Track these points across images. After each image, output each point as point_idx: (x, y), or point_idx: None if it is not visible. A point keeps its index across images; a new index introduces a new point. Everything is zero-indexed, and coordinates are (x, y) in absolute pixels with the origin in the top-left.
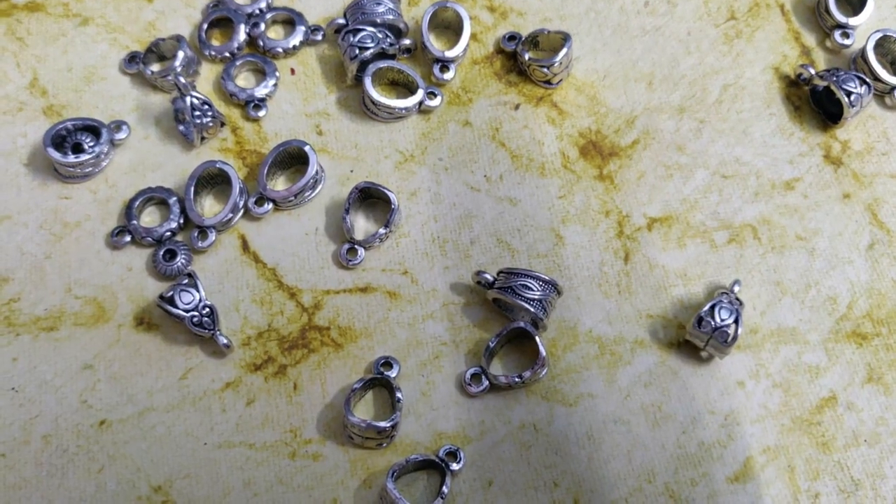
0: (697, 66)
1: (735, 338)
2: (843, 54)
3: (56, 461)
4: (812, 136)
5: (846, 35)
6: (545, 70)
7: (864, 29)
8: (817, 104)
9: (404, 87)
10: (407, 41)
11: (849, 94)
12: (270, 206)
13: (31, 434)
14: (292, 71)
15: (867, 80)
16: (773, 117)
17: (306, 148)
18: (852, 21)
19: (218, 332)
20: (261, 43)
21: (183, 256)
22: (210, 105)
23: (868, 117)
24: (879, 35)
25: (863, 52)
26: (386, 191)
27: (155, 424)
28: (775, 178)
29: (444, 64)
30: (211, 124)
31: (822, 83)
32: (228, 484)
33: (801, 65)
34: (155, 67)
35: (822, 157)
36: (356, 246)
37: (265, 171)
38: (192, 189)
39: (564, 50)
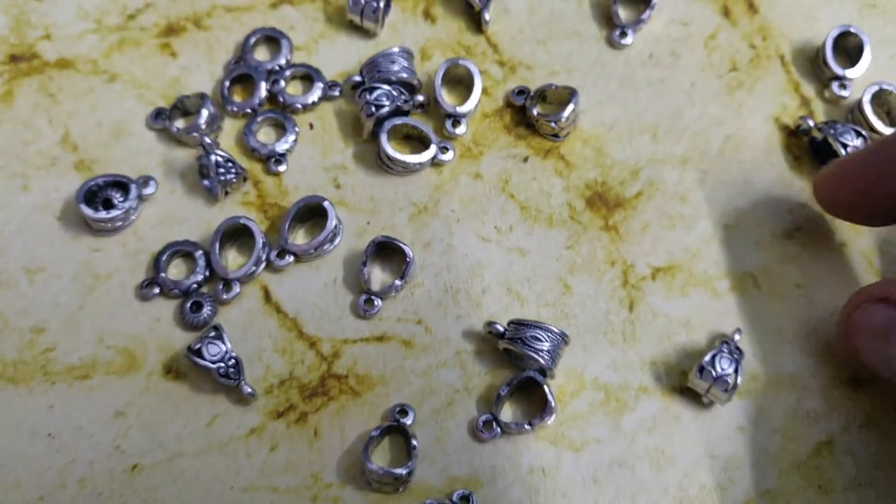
0: (700, 117)
1: (735, 386)
2: (841, 105)
3: None
4: (811, 186)
5: (843, 87)
6: (552, 124)
7: (861, 80)
8: (816, 155)
9: (418, 140)
10: (420, 97)
11: (845, 146)
12: (291, 258)
13: (67, 479)
14: (311, 126)
15: (863, 132)
16: (774, 167)
17: (325, 203)
18: (849, 73)
19: (243, 382)
20: (281, 99)
21: (208, 308)
22: (233, 161)
23: None
24: (875, 88)
25: (859, 105)
26: (401, 244)
27: (184, 469)
28: (775, 228)
29: (456, 119)
30: (234, 180)
31: (820, 135)
32: None
33: (801, 116)
34: (180, 123)
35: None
36: (373, 297)
37: (286, 226)
38: (218, 243)
39: (571, 105)
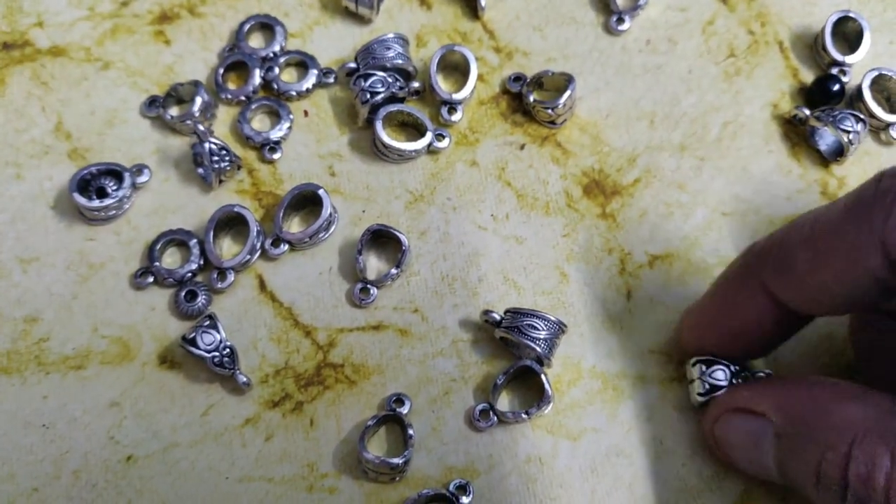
0: (698, 103)
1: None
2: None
3: (86, 496)
4: (809, 172)
5: (843, 72)
6: (549, 111)
7: (860, 66)
8: (815, 141)
9: (413, 128)
10: (416, 84)
11: (846, 132)
12: (286, 247)
13: (61, 469)
14: (305, 113)
15: (862, 117)
16: (772, 154)
17: (320, 191)
18: (848, 59)
19: (238, 371)
20: (275, 86)
21: (203, 297)
22: (227, 150)
23: (864, 153)
24: (875, 73)
25: (858, 90)
26: (397, 233)
27: (179, 459)
28: (773, 215)
29: (452, 106)
30: (228, 168)
31: (819, 124)
32: None
33: (796, 107)
34: (174, 111)
35: (820, 193)
36: (368, 285)
37: (281, 214)
38: (212, 232)
39: (568, 92)
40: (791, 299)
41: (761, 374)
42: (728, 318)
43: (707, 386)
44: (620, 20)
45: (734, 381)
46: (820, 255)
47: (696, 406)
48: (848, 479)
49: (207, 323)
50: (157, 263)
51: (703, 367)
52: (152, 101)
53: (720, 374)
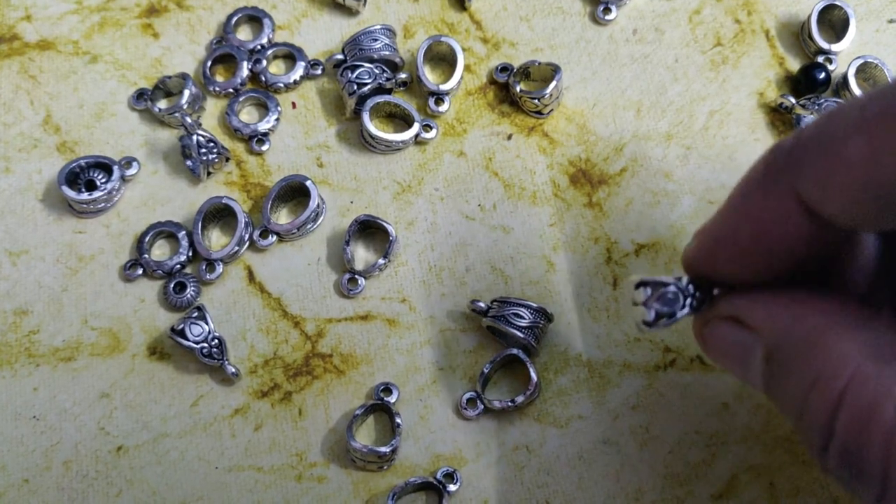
0: (684, 92)
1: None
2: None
3: (77, 486)
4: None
5: (829, 60)
6: (536, 101)
7: (846, 54)
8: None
9: (401, 119)
10: (403, 75)
11: None
12: (274, 238)
13: (52, 460)
14: (293, 105)
15: None
16: (758, 143)
17: (308, 183)
18: (835, 47)
19: (226, 362)
20: (263, 78)
21: (192, 288)
22: (215, 142)
23: None
24: (860, 61)
25: (844, 78)
26: (384, 223)
27: (169, 450)
28: None
29: (439, 97)
30: (216, 160)
31: (805, 112)
32: None
33: (782, 95)
34: (162, 104)
35: None
36: (356, 276)
37: (269, 206)
38: (200, 223)
39: (554, 82)
40: (833, 207)
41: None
42: (747, 234)
43: (654, 312)
44: (607, 10)
45: (690, 303)
46: (881, 139)
47: (643, 333)
48: (835, 428)
49: (196, 314)
50: (146, 255)
51: (648, 291)
52: (140, 94)
53: (670, 297)
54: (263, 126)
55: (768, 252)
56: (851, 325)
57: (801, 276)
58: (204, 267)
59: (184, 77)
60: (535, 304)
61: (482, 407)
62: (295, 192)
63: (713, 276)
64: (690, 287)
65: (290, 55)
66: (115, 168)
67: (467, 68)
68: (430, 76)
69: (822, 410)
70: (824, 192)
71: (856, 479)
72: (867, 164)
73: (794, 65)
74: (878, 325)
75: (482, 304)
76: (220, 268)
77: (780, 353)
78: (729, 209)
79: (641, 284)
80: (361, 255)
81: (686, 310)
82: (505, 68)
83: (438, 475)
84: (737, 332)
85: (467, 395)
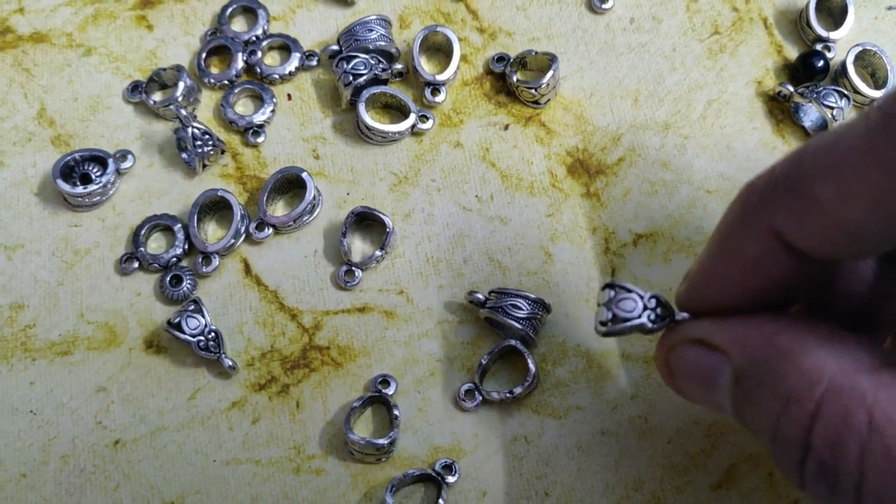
0: (682, 81)
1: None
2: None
3: (74, 480)
4: (794, 148)
5: (828, 48)
6: (533, 91)
7: (844, 42)
8: (799, 117)
9: (397, 109)
10: (399, 65)
11: (831, 108)
12: (271, 230)
13: (49, 455)
14: (289, 96)
15: (847, 93)
16: (756, 131)
17: (304, 174)
18: (833, 35)
19: (223, 355)
20: (258, 70)
21: (188, 281)
22: (211, 134)
23: None
24: (859, 49)
25: (843, 66)
26: (381, 215)
27: (166, 443)
28: None
29: (436, 87)
30: (212, 152)
31: (803, 101)
32: (237, 499)
33: (781, 83)
34: (157, 96)
35: None
36: (353, 268)
37: (265, 198)
38: (196, 216)
39: (551, 72)
40: (809, 242)
41: (684, 316)
42: (732, 273)
43: (611, 315)
44: None
45: (648, 317)
46: (848, 182)
47: (599, 335)
48: (811, 442)
49: (192, 307)
50: (142, 249)
51: (612, 293)
52: (135, 87)
53: (629, 305)
54: (259, 118)
55: (756, 287)
56: (823, 341)
57: (789, 304)
58: (200, 260)
59: (178, 69)
60: (533, 295)
61: (480, 398)
62: (291, 184)
63: (710, 313)
64: (652, 301)
65: (285, 46)
66: (111, 161)
67: (464, 58)
68: (426, 66)
69: (798, 425)
70: (800, 229)
71: (832, 491)
72: (837, 205)
73: (793, 53)
74: (850, 341)
75: (480, 296)
76: (216, 261)
77: (751, 373)
78: (711, 251)
79: (609, 286)
80: (358, 246)
81: (642, 320)
82: (501, 58)
83: (437, 467)
84: (704, 354)
85: (465, 387)
